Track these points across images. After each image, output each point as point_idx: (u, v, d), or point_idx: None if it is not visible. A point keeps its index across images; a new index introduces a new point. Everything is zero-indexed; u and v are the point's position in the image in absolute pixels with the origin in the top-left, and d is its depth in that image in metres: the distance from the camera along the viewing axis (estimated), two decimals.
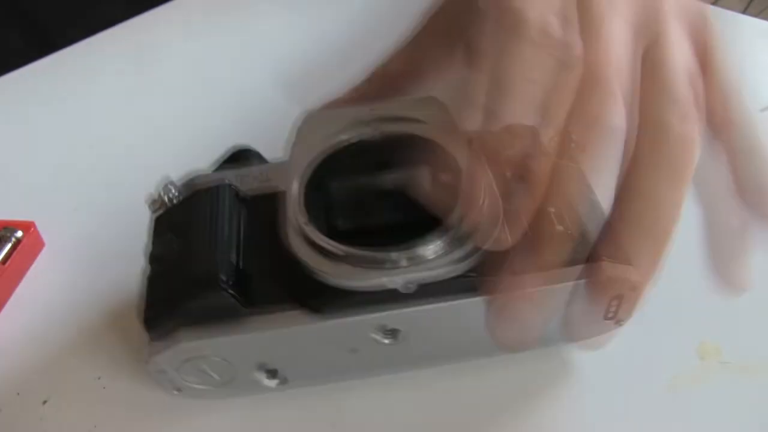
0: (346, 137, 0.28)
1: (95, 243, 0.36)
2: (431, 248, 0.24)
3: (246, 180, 0.29)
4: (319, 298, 0.25)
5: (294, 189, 0.26)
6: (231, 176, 0.29)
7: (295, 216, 0.25)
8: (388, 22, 0.35)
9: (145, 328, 0.26)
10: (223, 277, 0.25)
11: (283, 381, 0.28)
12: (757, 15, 0.51)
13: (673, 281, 0.31)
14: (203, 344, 0.25)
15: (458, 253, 0.24)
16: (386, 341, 0.26)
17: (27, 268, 0.35)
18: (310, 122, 0.29)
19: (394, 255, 0.24)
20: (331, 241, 0.24)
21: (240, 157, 0.31)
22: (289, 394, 0.29)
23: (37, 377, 0.30)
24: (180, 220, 0.28)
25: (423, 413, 0.28)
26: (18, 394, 0.30)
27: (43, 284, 0.34)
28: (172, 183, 0.29)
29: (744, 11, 0.95)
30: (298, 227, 0.25)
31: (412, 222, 0.25)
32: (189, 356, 0.26)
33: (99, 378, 0.30)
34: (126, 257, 0.35)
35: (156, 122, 0.44)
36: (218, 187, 0.28)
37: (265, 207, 0.28)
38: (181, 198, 0.29)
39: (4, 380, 0.30)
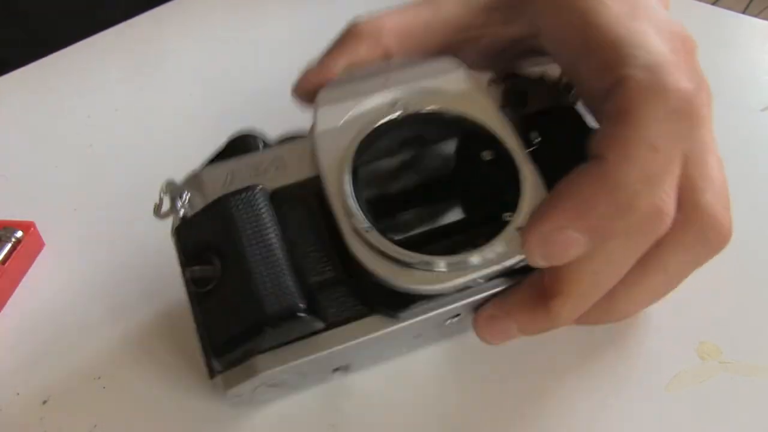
0: (373, 118, 0.26)
1: (95, 243, 0.36)
2: (500, 246, 0.24)
3: (261, 172, 0.26)
4: (394, 305, 0.25)
5: (338, 186, 0.25)
6: (242, 168, 0.26)
7: (352, 219, 0.25)
8: None
9: (216, 358, 0.25)
10: (301, 304, 0.24)
11: (345, 370, 0.28)
12: (757, 15, 0.51)
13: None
14: (282, 369, 0.25)
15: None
16: (448, 323, 0.27)
17: (27, 268, 0.35)
18: (329, 97, 0.27)
19: (468, 258, 0.24)
20: (402, 250, 0.24)
21: (239, 144, 0.28)
22: (289, 395, 0.29)
23: (37, 377, 0.30)
24: (212, 234, 0.25)
25: (423, 414, 0.28)
26: (18, 394, 0.30)
27: (43, 284, 0.34)
28: (172, 184, 0.26)
29: (744, 11, 0.96)
30: (358, 232, 0.24)
31: (469, 218, 0.27)
32: (267, 382, 0.25)
33: (99, 378, 0.30)
34: (126, 257, 0.35)
35: (156, 122, 0.44)
36: (248, 191, 0.25)
37: (300, 204, 0.26)
38: (201, 205, 0.26)
39: (4, 380, 0.30)
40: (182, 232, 0.26)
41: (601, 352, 0.29)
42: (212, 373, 0.25)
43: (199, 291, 0.25)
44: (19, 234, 0.35)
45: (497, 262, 0.24)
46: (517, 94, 0.28)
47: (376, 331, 0.25)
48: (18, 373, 0.30)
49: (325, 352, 0.25)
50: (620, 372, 0.28)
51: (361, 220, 0.24)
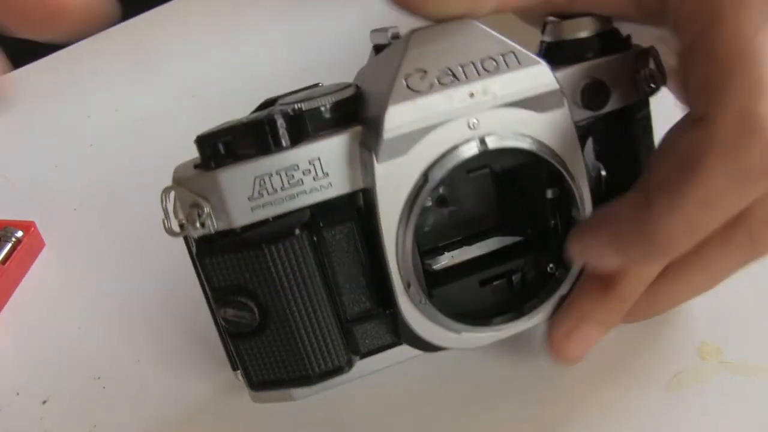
0: (445, 152, 0.23)
1: (95, 243, 0.36)
2: (545, 311, 0.26)
3: (295, 182, 0.23)
4: (429, 348, 0.26)
5: (397, 246, 0.24)
6: (271, 173, 0.23)
7: (410, 286, 0.24)
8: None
9: (251, 390, 0.26)
10: (346, 365, 0.25)
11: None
12: None
13: None
14: (316, 394, 0.26)
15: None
16: None
17: (27, 268, 0.35)
18: (396, 118, 0.23)
19: (515, 327, 0.26)
20: (453, 323, 0.25)
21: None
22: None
23: (37, 377, 0.30)
24: (247, 280, 0.23)
25: (423, 414, 0.28)
26: (18, 394, 0.30)
27: (43, 284, 0.34)
28: (181, 189, 0.24)
29: None
30: (414, 301, 0.24)
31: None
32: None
33: (99, 378, 0.30)
34: (126, 257, 0.35)
35: (156, 122, 0.44)
36: (289, 239, 0.23)
37: (340, 225, 0.24)
38: (224, 223, 0.23)
39: (4, 380, 0.30)
40: (207, 262, 0.24)
41: (601, 352, 0.29)
42: (235, 366, 0.26)
43: (232, 331, 0.24)
44: (20, 234, 0.35)
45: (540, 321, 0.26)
46: (597, 91, 0.26)
47: (405, 357, 0.26)
48: (18, 373, 0.30)
49: (356, 379, 0.26)
50: (620, 372, 0.28)
51: (418, 293, 0.24)
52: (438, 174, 0.23)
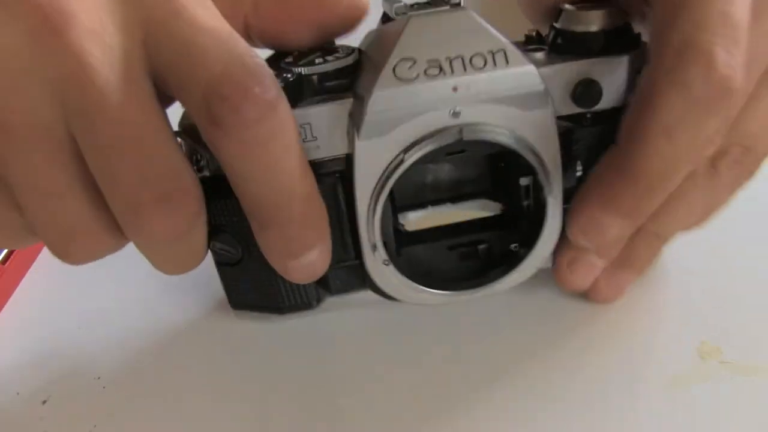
0: (424, 137, 0.25)
1: None
2: (508, 283, 0.29)
3: None
4: (390, 298, 0.29)
5: (368, 215, 0.26)
6: None
7: (375, 249, 0.27)
8: None
9: (232, 308, 0.30)
10: (314, 302, 0.29)
11: None
12: None
13: (674, 281, 0.31)
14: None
15: None
16: None
17: (27, 268, 0.35)
18: (383, 96, 0.24)
19: (472, 295, 0.29)
20: (414, 285, 0.28)
21: None
22: (289, 394, 0.29)
23: (37, 377, 0.30)
24: (233, 224, 0.26)
25: (422, 413, 0.28)
26: (18, 393, 0.30)
27: (43, 284, 0.34)
28: (185, 138, 0.26)
29: None
30: (378, 261, 0.27)
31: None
32: None
33: (99, 378, 0.30)
34: (126, 257, 0.35)
35: None
36: None
37: (323, 183, 0.26)
38: (225, 182, 0.24)
39: (4, 380, 0.30)
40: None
41: (601, 351, 0.29)
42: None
43: (218, 260, 0.28)
44: None
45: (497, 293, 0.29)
46: (589, 91, 0.26)
47: (370, 300, 0.29)
48: (18, 373, 0.30)
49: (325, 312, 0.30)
50: (620, 371, 0.28)
51: (382, 255, 0.27)
52: (414, 156, 0.25)
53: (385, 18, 0.27)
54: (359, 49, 0.27)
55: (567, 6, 0.27)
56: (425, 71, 0.24)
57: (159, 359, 0.31)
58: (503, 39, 0.25)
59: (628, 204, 0.25)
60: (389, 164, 0.25)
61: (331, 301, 0.30)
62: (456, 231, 0.29)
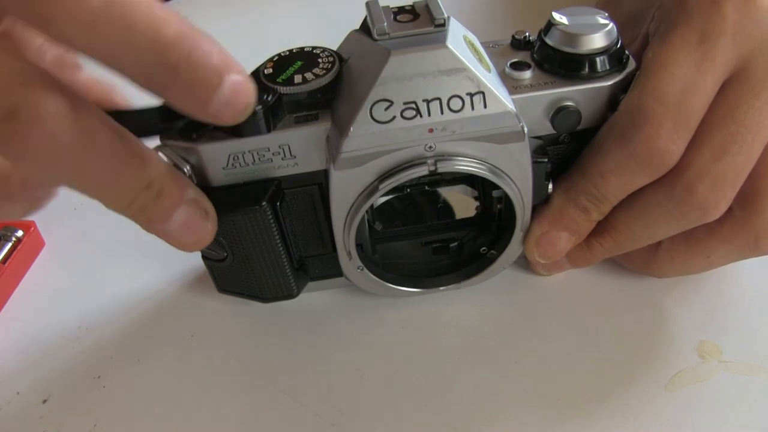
0: (398, 168, 0.25)
1: (95, 243, 0.36)
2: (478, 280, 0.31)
3: (265, 160, 0.26)
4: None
5: (344, 232, 0.27)
6: (244, 152, 0.25)
7: (351, 256, 0.28)
8: None
9: (218, 290, 0.31)
10: (291, 292, 0.30)
11: None
12: None
13: (674, 281, 0.31)
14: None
15: None
16: None
17: (27, 268, 0.35)
18: (361, 131, 0.24)
19: (430, 286, 0.31)
20: (387, 285, 0.30)
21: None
22: (289, 393, 0.29)
23: (37, 377, 0.30)
24: (221, 233, 0.26)
25: (422, 412, 0.28)
26: (18, 393, 0.30)
27: (43, 284, 0.34)
28: (167, 150, 0.25)
29: None
30: (353, 265, 0.29)
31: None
32: None
33: (99, 378, 0.30)
34: (126, 257, 0.35)
35: None
36: (254, 212, 0.26)
37: (302, 195, 0.27)
38: (208, 193, 0.25)
39: (4, 380, 0.30)
40: None
41: (601, 351, 0.29)
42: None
43: (205, 256, 0.29)
44: (20, 233, 0.35)
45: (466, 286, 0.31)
46: (569, 117, 0.27)
47: (347, 284, 0.31)
48: (18, 373, 0.30)
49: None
50: (620, 371, 0.28)
51: (357, 262, 0.29)
52: (389, 185, 0.25)
53: (365, 25, 0.26)
54: (340, 60, 0.26)
55: (557, 18, 0.27)
56: (401, 113, 0.24)
57: (159, 359, 0.31)
58: (483, 79, 0.24)
59: (567, 222, 0.28)
60: (364, 189, 0.26)
61: (311, 285, 0.32)
62: (430, 228, 0.30)
